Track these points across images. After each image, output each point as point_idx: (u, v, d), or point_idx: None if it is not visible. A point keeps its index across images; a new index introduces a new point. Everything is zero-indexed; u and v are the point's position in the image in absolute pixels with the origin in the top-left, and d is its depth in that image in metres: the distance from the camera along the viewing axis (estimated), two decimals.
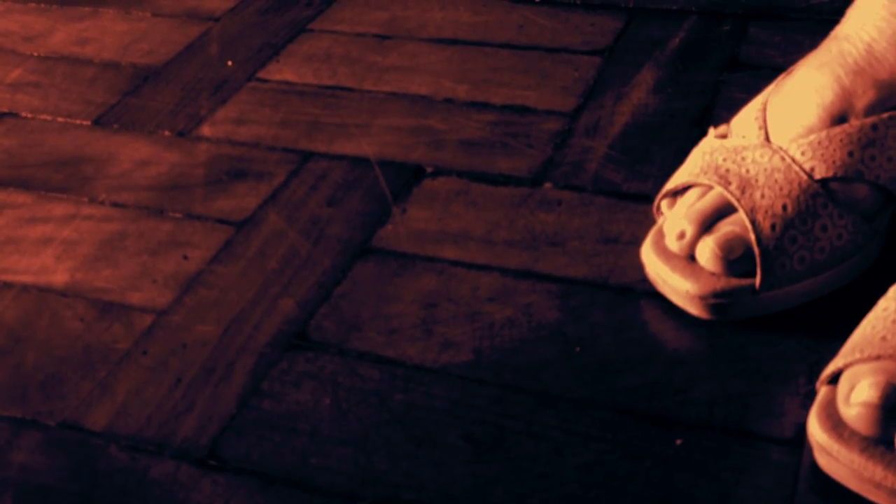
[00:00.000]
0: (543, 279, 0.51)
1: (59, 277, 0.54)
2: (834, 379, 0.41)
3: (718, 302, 0.46)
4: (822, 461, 0.40)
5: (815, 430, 0.40)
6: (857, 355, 0.40)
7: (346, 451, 0.43)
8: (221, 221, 0.57)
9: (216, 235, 0.56)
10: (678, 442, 0.42)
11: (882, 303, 0.42)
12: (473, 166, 0.60)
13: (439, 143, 0.62)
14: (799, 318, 0.47)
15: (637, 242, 0.53)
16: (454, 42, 0.73)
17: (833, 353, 0.45)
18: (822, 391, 0.41)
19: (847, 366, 0.40)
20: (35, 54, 0.77)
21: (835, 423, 0.39)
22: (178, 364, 0.48)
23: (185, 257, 0.55)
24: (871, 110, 0.48)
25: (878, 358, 0.39)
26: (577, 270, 0.51)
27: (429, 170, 0.60)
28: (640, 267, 0.51)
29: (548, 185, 0.58)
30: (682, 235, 0.47)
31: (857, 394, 0.39)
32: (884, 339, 0.40)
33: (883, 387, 0.39)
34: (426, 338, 0.48)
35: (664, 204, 0.51)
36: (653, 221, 0.54)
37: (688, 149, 0.59)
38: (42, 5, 0.84)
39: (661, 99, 0.64)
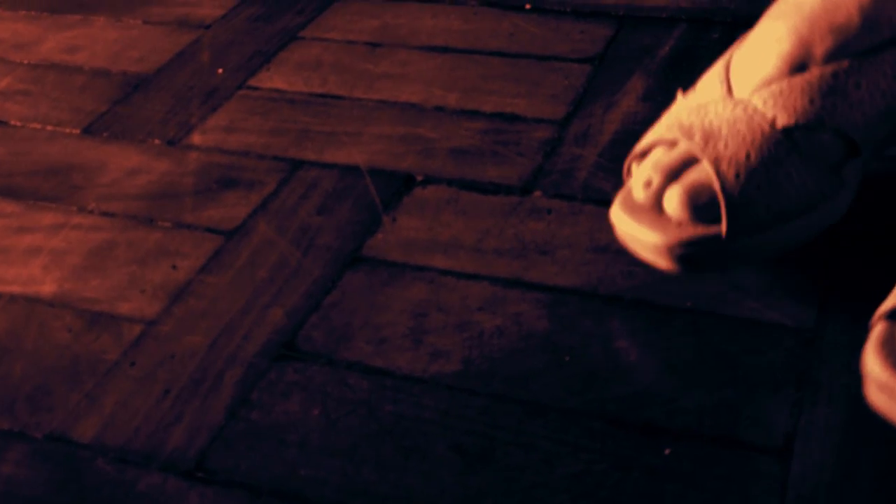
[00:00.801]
0: (533, 288, 0.51)
1: (48, 287, 0.54)
2: (892, 315, 0.39)
3: (686, 252, 0.46)
4: (879, 399, 0.38)
5: (874, 366, 0.38)
6: None
7: (334, 462, 0.43)
8: (211, 230, 0.57)
9: (206, 245, 0.56)
10: (667, 451, 0.42)
11: None
12: (464, 175, 0.60)
13: (430, 151, 0.62)
14: (787, 327, 0.47)
15: (626, 252, 0.53)
16: (445, 50, 0.73)
17: (821, 361, 0.45)
18: (879, 327, 0.39)
19: None
20: (25, 62, 0.76)
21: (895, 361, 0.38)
22: (167, 375, 0.48)
23: (175, 267, 0.55)
24: (830, 57, 0.48)
25: None
26: (567, 279, 0.51)
27: (419, 178, 0.60)
28: (630, 275, 0.51)
29: (537, 193, 0.58)
30: (648, 184, 0.48)
31: None
32: None
33: None
34: (416, 347, 0.48)
35: (634, 166, 0.51)
36: None
37: None
38: (32, 13, 0.84)
39: (650, 107, 0.64)
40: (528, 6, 0.77)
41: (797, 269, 0.50)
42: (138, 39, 0.78)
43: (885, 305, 0.40)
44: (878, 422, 0.42)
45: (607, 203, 0.56)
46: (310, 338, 0.49)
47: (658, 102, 0.65)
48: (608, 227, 0.55)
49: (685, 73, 0.67)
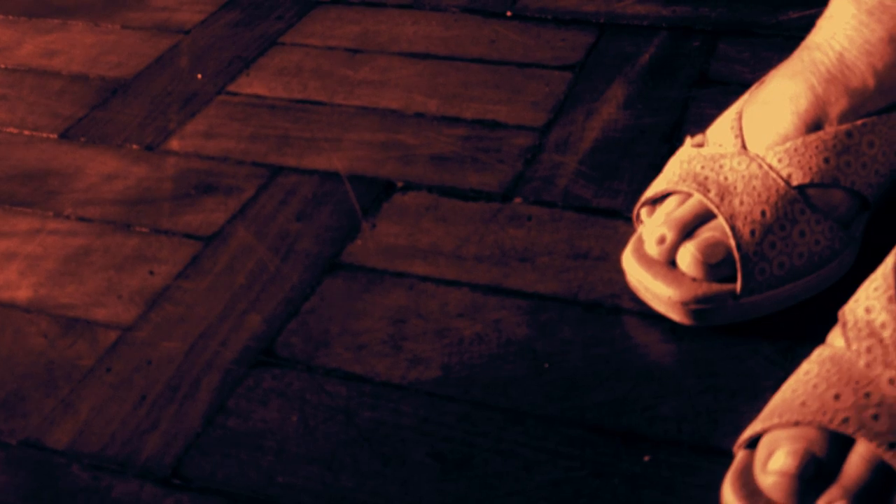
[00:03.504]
0: (513, 295, 0.51)
1: (23, 293, 0.54)
2: (752, 443, 0.39)
3: (700, 307, 0.46)
4: None
5: (729, 498, 0.38)
6: (776, 420, 0.38)
7: (312, 469, 0.43)
8: (189, 236, 0.57)
9: (183, 250, 0.56)
10: (646, 458, 0.42)
11: (804, 366, 0.41)
12: (444, 181, 0.60)
13: (410, 157, 0.62)
14: (766, 335, 0.47)
15: (607, 258, 0.53)
16: (426, 56, 0.73)
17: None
18: (739, 456, 0.39)
19: (765, 431, 0.39)
20: (2, 66, 0.76)
21: (750, 492, 0.38)
22: (143, 381, 0.48)
23: (152, 272, 0.54)
24: (844, 118, 0.49)
25: (796, 424, 0.38)
26: (547, 286, 0.51)
27: (399, 185, 0.60)
28: (609, 282, 0.51)
29: (518, 200, 0.58)
30: (662, 240, 0.48)
31: (774, 462, 0.37)
32: (803, 404, 0.38)
33: (801, 455, 0.37)
34: (395, 354, 0.48)
35: (643, 212, 0.51)
36: (622, 237, 0.54)
37: (658, 164, 0.59)
38: (10, 17, 0.83)
39: (631, 114, 0.64)
40: (509, 13, 0.77)
41: None
42: (117, 44, 0.78)
43: (744, 435, 0.40)
44: None
45: (588, 210, 0.56)
46: (288, 344, 0.49)
47: (638, 110, 0.65)
48: (588, 234, 0.55)
49: (666, 81, 0.67)
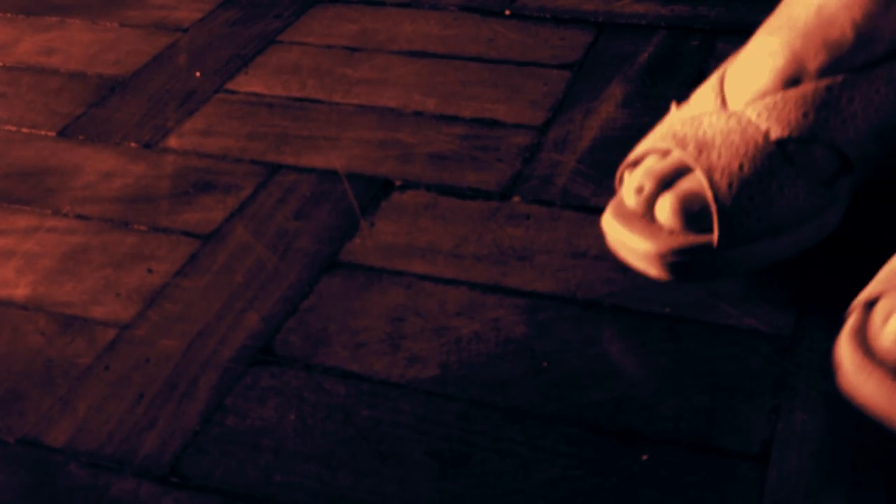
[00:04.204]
0: (511, 293, 0.51)
1: (21, 291, 0.53)
2: (868, 305, 0.40)
3: (678, 260, 0.46)
4: (848, 385, 0.39)
5: (845, 352, 0.39)
6: None
7: (310, 467, 0.43)
8: (187, 234, 0.57)
9: (181, 249, 0.56)
10: (644, 457, 0.42)
11: None
12: (442, 180, 0.60)
13: (408, 156, 0.62)
14: (764, 334, 0.47)
15: (605, 257, 0.53)
16: (424, 55, 0.73)
17: (799, 367, 0.45)
18: (854, 315, 0.40)
19: (884, 293, 0.39)
20: (0, 64, 0.76)
21: (866, 349, 0.39)
22: (141, 379, 0.48)
23: (150, 271, 0.54)
24: (823, 72, 0.49)
25: None
26: (545, 285, 0.51)
27: (397, 183, 0.60)
28: (608, 281, 0.51)
29: (516, 198, 0.58)
30: (640, 190, 0.48)
31: (892, 323, 0.38)
32: None
33: None
34: (393, 352, 0.48)
35: (626, 174, 0.51)
36: None
37: None
38: (8, 15, 0.83)
39: (629, 113, 0.64)
40: (507, 12, 0.77)
41: (774, 276, 0.51)
42: (115, 42, 0.78)
43: (861, 296, 0.41)
44: (855, 428, 0.42)
45: (586, 209, 0.56)
46: (286, 342, 0.49)
47: (637, 109, 0.65)
48: (587, 233, 0.55)
49: (664, 80, 0.67)
